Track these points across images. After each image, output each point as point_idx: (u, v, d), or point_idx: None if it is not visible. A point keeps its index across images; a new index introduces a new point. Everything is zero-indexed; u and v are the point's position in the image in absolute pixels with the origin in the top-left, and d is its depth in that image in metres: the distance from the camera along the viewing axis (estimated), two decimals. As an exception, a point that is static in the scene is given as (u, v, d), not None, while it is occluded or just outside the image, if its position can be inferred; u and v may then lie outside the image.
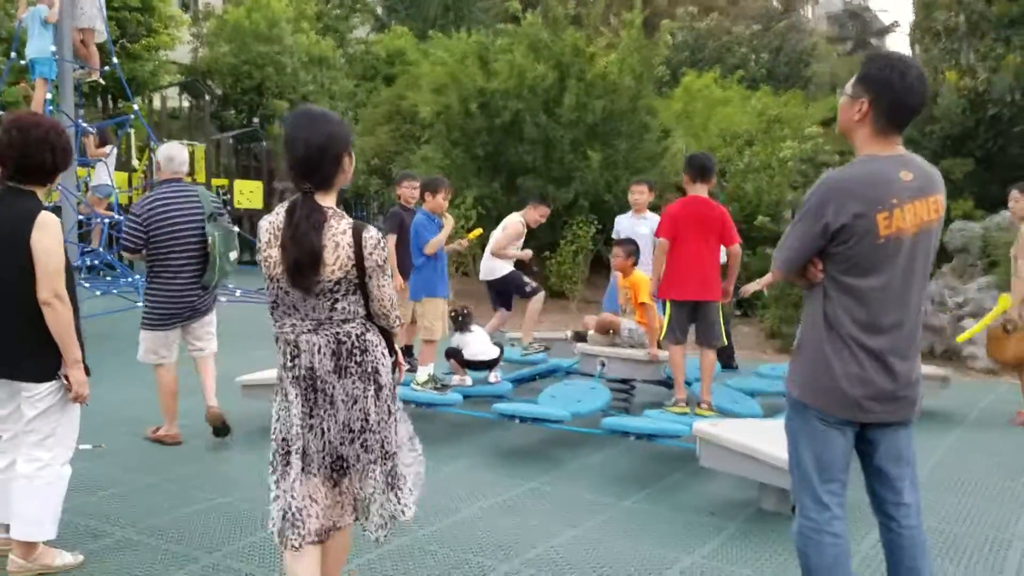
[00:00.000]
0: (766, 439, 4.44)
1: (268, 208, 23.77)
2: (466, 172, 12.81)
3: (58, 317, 3.36)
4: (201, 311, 5.49)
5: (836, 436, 2.68)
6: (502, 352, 6.19)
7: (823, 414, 2.67)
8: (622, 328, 6.47)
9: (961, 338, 7.42)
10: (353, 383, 2.79)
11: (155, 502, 4.44)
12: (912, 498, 2.76)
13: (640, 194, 7.55)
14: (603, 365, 6.28)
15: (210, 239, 5.29)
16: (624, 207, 8.02)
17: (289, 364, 2.82)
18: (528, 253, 7.44)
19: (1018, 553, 3.94)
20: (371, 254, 2.76)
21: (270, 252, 2.78)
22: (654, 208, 7.73)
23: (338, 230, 2.73)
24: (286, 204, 2.80)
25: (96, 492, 4.49)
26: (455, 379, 6.09)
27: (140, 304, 5.75)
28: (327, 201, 2.78)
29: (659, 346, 6.14)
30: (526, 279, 7.23)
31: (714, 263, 5.61)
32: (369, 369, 2.82)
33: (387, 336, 2.95)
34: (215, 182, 19.19)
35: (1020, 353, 6.02)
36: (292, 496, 2.78)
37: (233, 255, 5.53)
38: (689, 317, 5.63)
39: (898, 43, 69.84)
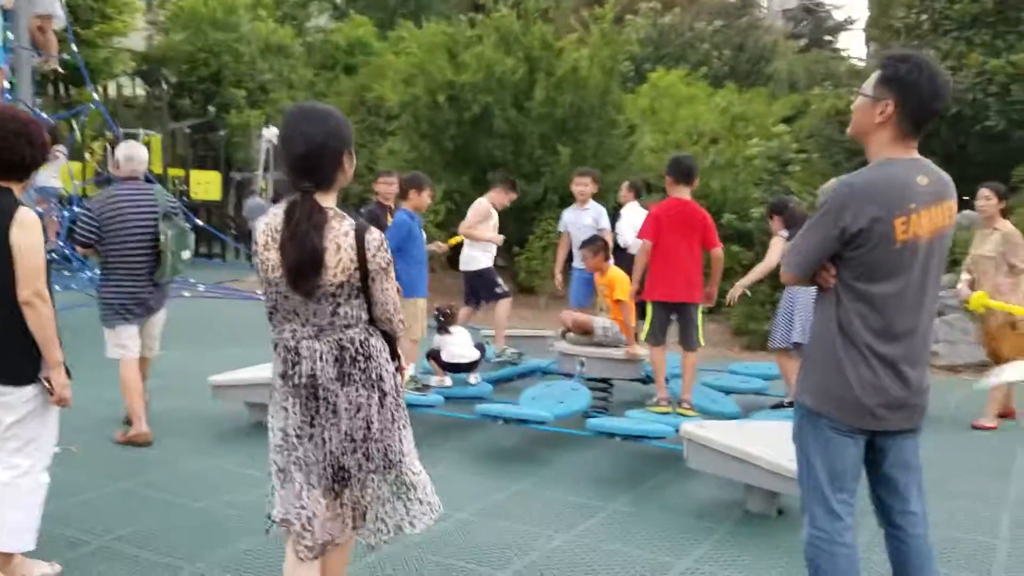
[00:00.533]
0: (752, 441, 4.46)
1: (225, 199, 23.36)
2: (434, 165, 12.68)
3: (40, 317, 3.21)
4: (154, 309, 5.53)
5: (848, 445, 2.65)
6: (483, 353, 6.13)
7: (836, 423, 2.63)
8: (596, 327, 6.43)
9: (978, 306, 6.77)
10: (357, 391, 2.69)
11: (132, 508, 4.29)
12: (919, 506, 2.74)
13: (584, 186, 7.57)
14: (582, 365, 6.25)
15: (163, 237, 5.33)
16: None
17: (289, 372, 2.71)
18: (500, 238, 7.37)
19: (1004, 555, 3.99)
20: (374, 256, 2.66)
21: (268, 255, 2.66)
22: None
23: (340, 231, 2.62)
24: (284, 204, 2.68)
25: (70, 498, 4.32)
26: (435, 380, 6.02)
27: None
28: (327, 201, 2.67)
29: (637, 338, 6.14)
30: (499, 281, 7.14)
31: (697, 265, 5.62)
32: (373, 376, 2.72)
33: (390, 341, 2.86)
34: (171, 172, 18.77)
35: (1016, 351, 6.05)
36: (301, 507, 2.68)
37: (186, 254, 5.54)
38: (670, 318, 5.63)
39: (852, 40, 70.93)
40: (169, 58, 23.70)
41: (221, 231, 17.86)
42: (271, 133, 22.48)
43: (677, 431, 4.94)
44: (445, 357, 5.96)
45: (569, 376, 6.32)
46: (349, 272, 2.63)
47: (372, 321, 2.77)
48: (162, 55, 23.97)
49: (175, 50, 23.80)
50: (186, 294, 10.65)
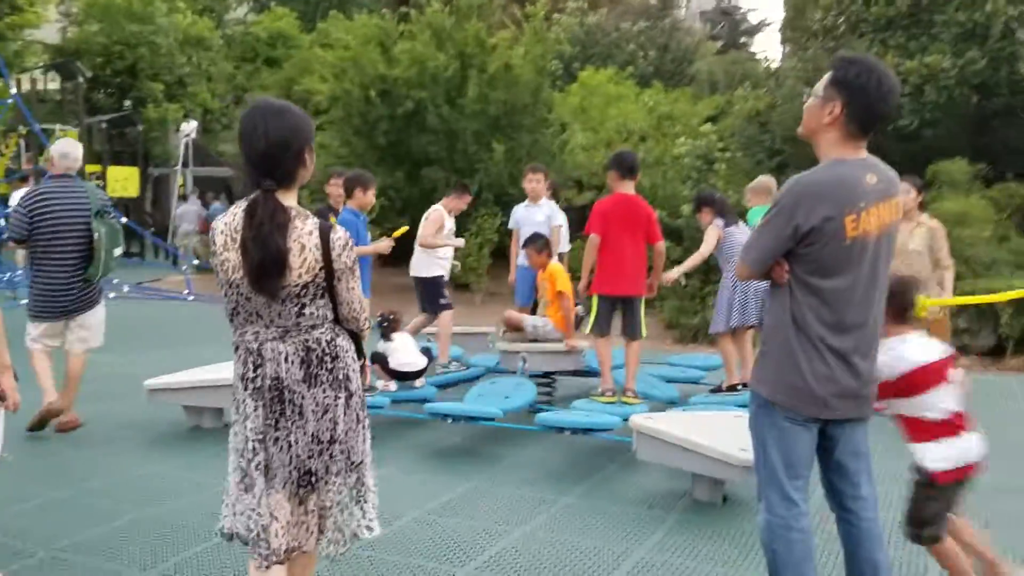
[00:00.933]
0: (699, 431, 4.57)
1: (143, 196, 22.67)
2: (367, 161, 12.55)
3: None
4: (86, 305, 5.55)
5: (802, 434, 2.74)
6: (431, 360, 6.11)
7: (790, 412, 2.71)
8: (526, 324, 6.48)
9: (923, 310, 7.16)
10: (324, 391, 2.66)
11: (75, 516, 4.16)
12: (869, 491, 2.84)
13: (537, 182, 7.56)
14: (524, 361, 6.29)
15: (96, 235, 5.37)
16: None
17: (251, 374, 2.66)
18: (460, 241, 7.35)
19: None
20: (340, 256, 2.64)
21: (227, 255, 2.60)
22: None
23: (304, 231, 2.59)
24: (243, 203, 2.62)
25: (9, 507, 4.17)
26: (380, 384, 5.98)
27: (21, 301, 5.67)
28: (288, 199, 2.62)
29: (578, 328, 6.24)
30: (445, 292, 7.07)
31: (642, 259, 5.74)
32: (340, 376, 2.69)
33: (356, 340, 2.84)
34: (88, 168, 18.13)
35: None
36: (258, 513, 2.62)
37: (117, 251, 5.61)
38: (615, 310, 5.74)
39: (768, 42, 72.95)
40: (83, 51, 22.85)
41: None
42: (190, 127, 21.94)
43: (624, 422, 5.05)
44: (393, 364, 5.91)
45: (512, 373, 6.37)
46: (314, 272, 2.59)
47: (337, 320, 2.75)
48: (76, 48, 23.08)
49: (89, 42, 22.98)
50: (112, 295, 10.31)
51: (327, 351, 2.67)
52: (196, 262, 13.18)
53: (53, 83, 24.19)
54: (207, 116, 25.97)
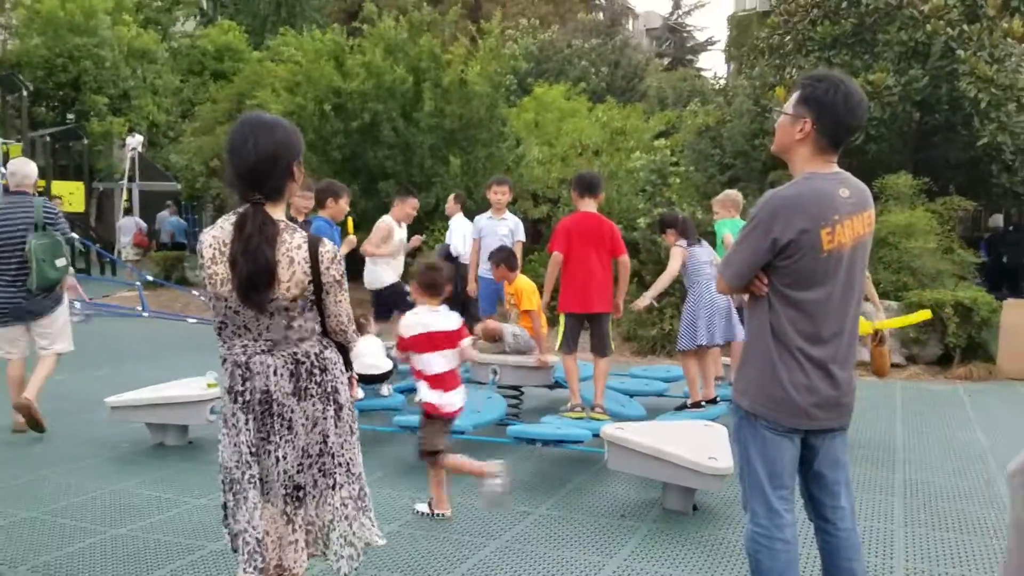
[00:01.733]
0: (669, 440, 4.64)
1: (88, 210, 22.15)
2: (322, 175, 12.45)
3: None
4: (36, 312, 5.90)
5: (786, 444, 2.78)
6: (395, 365, 6.10)
7: (772, 423, 2.75)
8: (506, 334, 6.53)
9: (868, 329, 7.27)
10: (313, 405, 2.67)
11: (44, 538, 4.06)
12: (847, 501, 2.88)
13: (503, 194, 7.63)
14: (495, 373, 6.32)
15: (26, 246, 5.70)
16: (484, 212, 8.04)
17: (240, 388, 2.65)
18: (417, 239, 7.35)
19: (902, 541, 4.32)
20: (328, 269, 2.65)
21: (215, 269, 2.60)
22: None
23: (292, 244, 2.60)
24: (232, 217, 2.63)
25: (-30, 531, 4.06)
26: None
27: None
28: (276, 213, 2.64)
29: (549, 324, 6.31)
30: (407, 296, 7.06)
31: (608, 275, 5.80)
32: (329, 389, 2.70)
33: (343, 352, 2.85)
34: (31, 183, 17.66)
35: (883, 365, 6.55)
36: (252, 527, 2.61)
37: (60, 262, 5.87)
38: (583, 328, 5.80)
39: (713, 59, 74.33)
40: (24, 63, 22.31)
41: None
42: (135, 141, 21.55)
43: (595, 435, 5.09)
44: (358, 368, 5.83)
45: (482, 384, 6.38)
46: (303, 286, 2.60)
47: (325, 333, 2.75)
48: (17, 60, 22.53)
49: (31, 55, 22.45)
50: (74, 319, 10.05)
51: (316, 364, 2.68)
52: (150, 278, 12.93)
53: (-9, 96, 23.58)
54: (153, 130, 25.55)
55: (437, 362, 4.24)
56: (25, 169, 5.95)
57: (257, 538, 2.61)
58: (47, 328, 5.96)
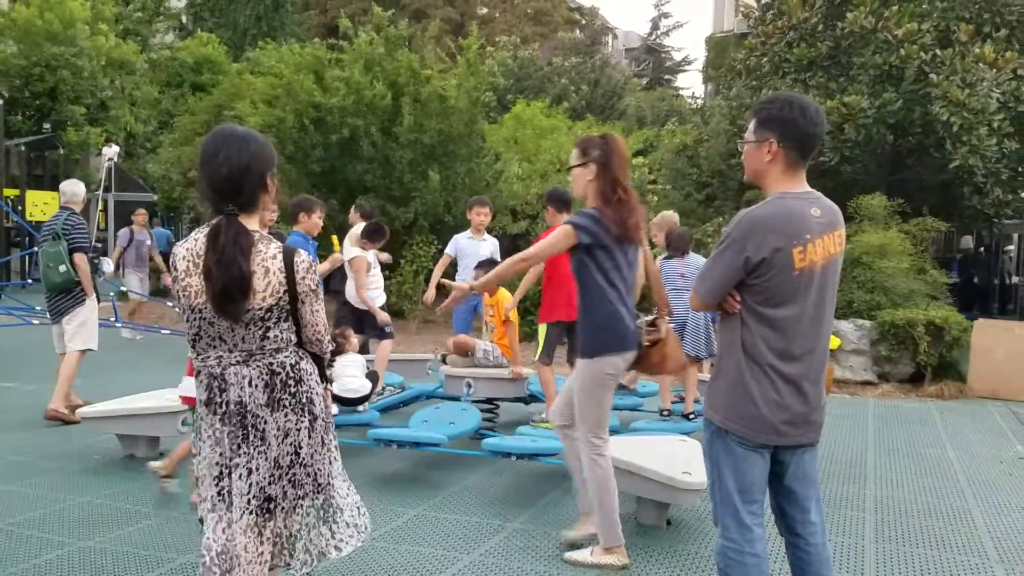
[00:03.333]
0: (644, 455, 4.65)
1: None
2: (301, 189, 12.43)
3: None
4: (59, 311, 6.85)
5: (756, 459, 2.80)
6: (374, 386, 6.06)
7: (743, 438, 2.77)
8: (477, 349, 6.52)
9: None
10: (286, 416, 2.65)
11: (12, 550, 4.00)
12: (817, 516, 2.90)
13: (485, 216, 7.64)
14: (470, 386, 6.31)
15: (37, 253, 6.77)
16: (463, 227, 8.03)
17: (215, 399, 2.64)
18: (385, 256, 7.31)
19: (872, 556, 4.35)
20: (303, 279, 2.65)
21: (189, 281, 2.59)
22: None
23: (267, 255, 2.59)
24: (205, 228, 2.62)
25: (-67, 542, 3.99)
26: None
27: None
28: (251, 224, 2.64)
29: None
30: (388, 319, 6.97)
31: None
32: (304, 400, 2.69)
33: (319, 363, 2.84)
34: (6, 192, 17.49)
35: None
36: (227, 539, 2.59)
37: (62, 268, 6.70)
38: (563, 338, 5.83)
39: (691, 79, 75.07)
40: (0, 72, 22.11)
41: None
42: (112, 151, 21.38)
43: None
44: (337, 389, 5.75)
45: (456, 398, 6.37)
46: (278, 295, 2.60)
47: (300, 344, 2.74)
48: (-8, 69, 22.35)
49: (7, 64, 22.25)
50: (35, 321, 9.95)
51: (291, 375, 2.66)
52: (123, 289, 12.81)
53: (-34, 104, 23.32)
54: (130, 140, 25.37)
55: None
56: (73, 188, 6.96)
57: (218, 551, 2.58)
58: (66, 326, 6.82)
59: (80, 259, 6.73)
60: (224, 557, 2.58)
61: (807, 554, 2.89)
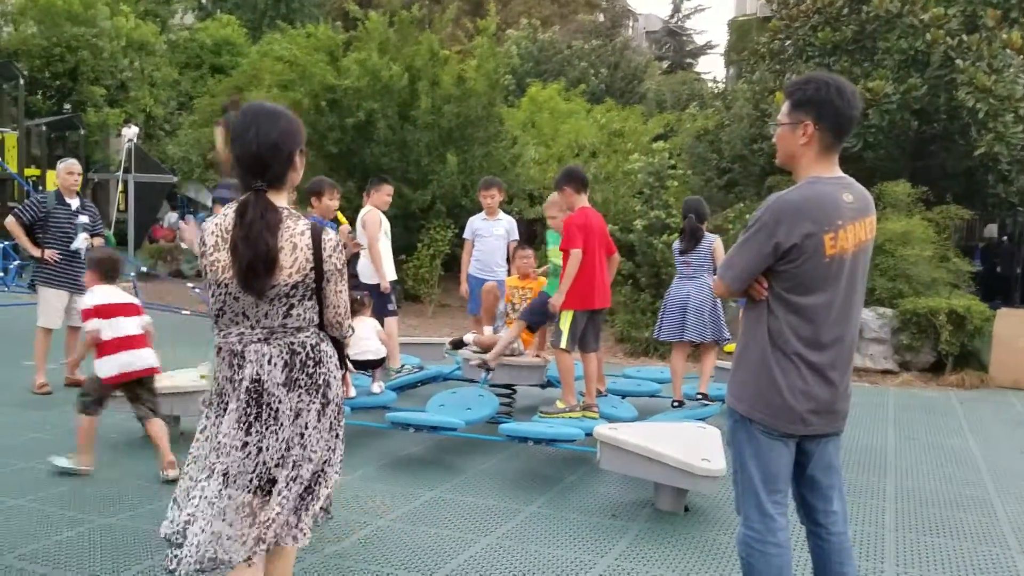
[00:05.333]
0: (662, 441, 4.63)
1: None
2: (317, 171, 12.40)
3: None
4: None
5: (781, 448, 2.76)
6: (388, 362, 6.04)
7: (768, 428, 2.73)
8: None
9: None
10: (299, 396, 2.62)
11: (29, 525, 4.03)
12: (840, 506, 2.87)
13: (493, 198, 7.60)
14: (488, 372, 6.29)
15: None
16: (480, 211, 8.00)
17: (232, 376, 2.64)
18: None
19: (892, 545, 4.32)
20: (330, 256, 2.64)
21: (217, 256, 2.59)
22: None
23: (296, 231, 2.59)
24: (234, 204, 2.62)
25: (-45, 518, 4.03)
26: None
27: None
28: (279, 201, 2.64)
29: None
30: (392, 299, 6.99)
31: (608, 271, 5.82)
32: (320, 382, 2.66)
33: (338, 347, 2.83)
34: (27, 172, 17.59)
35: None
36: (201, 515, 2.55)
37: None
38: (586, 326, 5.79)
39: (712, 63, 74.47)
40: (21, 52, 22.20)
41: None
42: (131, 132, 21.45)
43: (587, 434, 5.08)
44: (351, 353, 5.58)
45: (474, 382, 6.37)
46: (304, 272, 2.59)
47: (322, 326, 2.73)
48: (14, 49, 22.42)
49: (28, 44, 22.33)
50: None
51: (311, 355, 2.65)
52: (144, 269, 12.89)
53: (-12, 84, 23.46)
54: (150, 122, 25.45)
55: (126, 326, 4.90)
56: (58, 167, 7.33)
57: (215, 531, 2.55)
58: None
59: (7, 221, 7.10)
60: (219, 536, 2.54)
61: (828, 543, 2.86)
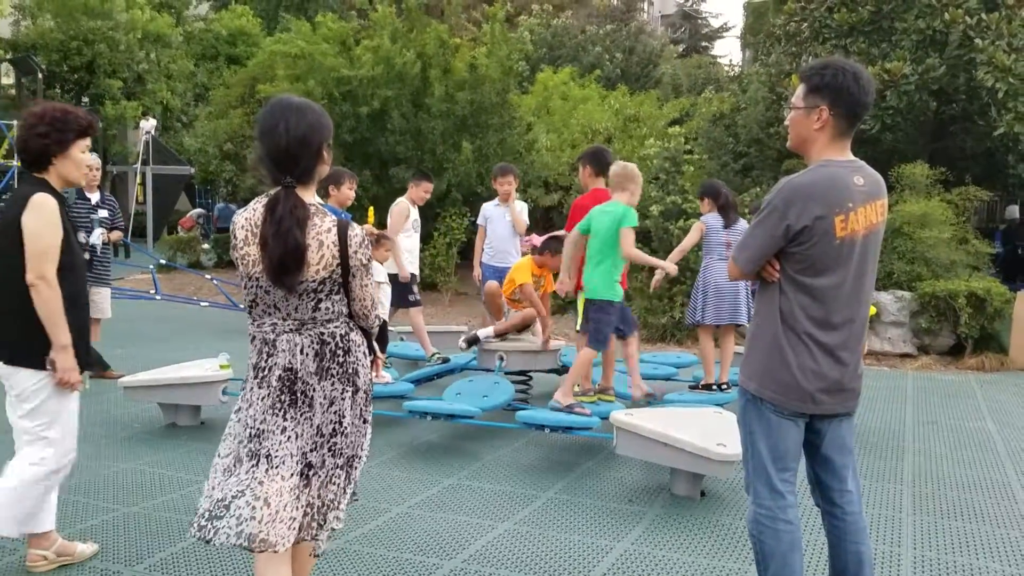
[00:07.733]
0: (678, 426, 4.64)
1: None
2: (333, 160, 12.51)
3: (42, 299, 3.22)
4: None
5: (790, 427, 2.80)
6: (385, 325, 6.03)
7: (778, 406, 2.77)
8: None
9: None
10: (332, 384, 2.68)
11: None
12: (854, 485, 2.90)
13: (508, 184, 7.59)
14: (502, 359, 6.33)
15: None
16: (495, 198, 8.01)
17: (263, 364, 2.68)
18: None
19: (909, 528, 4.32)
20: (356, 252, 2.67)
21: (248, 250, 2.63)
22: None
23: (322, 228, 2.62)
24: (263, 199, 2.65)
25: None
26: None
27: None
28: (307, 196, 2.66)
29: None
30: (414, 289, 7.07)
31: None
32: (350, 371, 2.72)
33: (367, 336, 2.87)
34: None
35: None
36: (248, 498, 2.61)
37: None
38: None
39: (728, 46, 73.81)
40: (39, 46, 22.38)
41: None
42: (149, 125, 21.61)
43: (603, 419, 5.10)
44: None
45: (489, 371, 6.40)
46: (331, 268, 2.63)
47: (351, 316, 2.77)
48: (32, 43, 22.61)
49: (45, 38, 22.51)
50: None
51: (340, 345, 2.70)
52: (163, 261, 13.01)
53: (7, 78, 23.68)
54: (167, 114, 25.60)
55: None
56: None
57: (245, 506, 2.58)
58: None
59: None
60: (253, 516, 2.58)
61: (844, 523, 2.89)
